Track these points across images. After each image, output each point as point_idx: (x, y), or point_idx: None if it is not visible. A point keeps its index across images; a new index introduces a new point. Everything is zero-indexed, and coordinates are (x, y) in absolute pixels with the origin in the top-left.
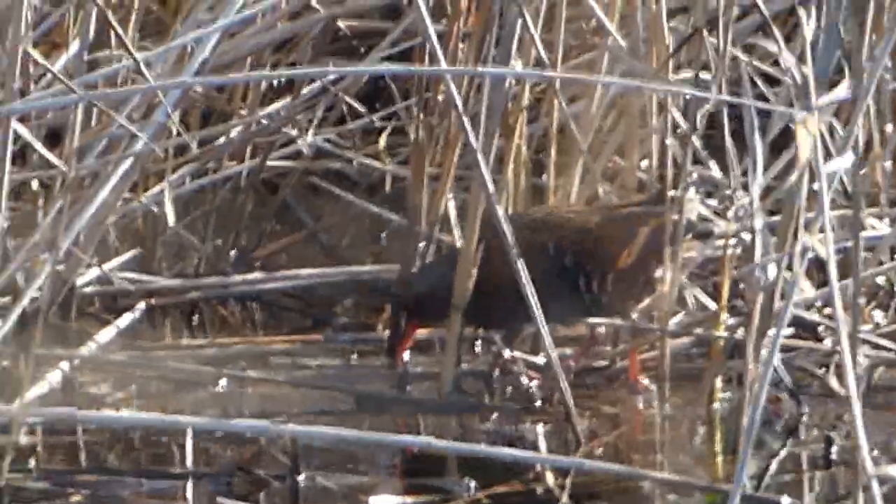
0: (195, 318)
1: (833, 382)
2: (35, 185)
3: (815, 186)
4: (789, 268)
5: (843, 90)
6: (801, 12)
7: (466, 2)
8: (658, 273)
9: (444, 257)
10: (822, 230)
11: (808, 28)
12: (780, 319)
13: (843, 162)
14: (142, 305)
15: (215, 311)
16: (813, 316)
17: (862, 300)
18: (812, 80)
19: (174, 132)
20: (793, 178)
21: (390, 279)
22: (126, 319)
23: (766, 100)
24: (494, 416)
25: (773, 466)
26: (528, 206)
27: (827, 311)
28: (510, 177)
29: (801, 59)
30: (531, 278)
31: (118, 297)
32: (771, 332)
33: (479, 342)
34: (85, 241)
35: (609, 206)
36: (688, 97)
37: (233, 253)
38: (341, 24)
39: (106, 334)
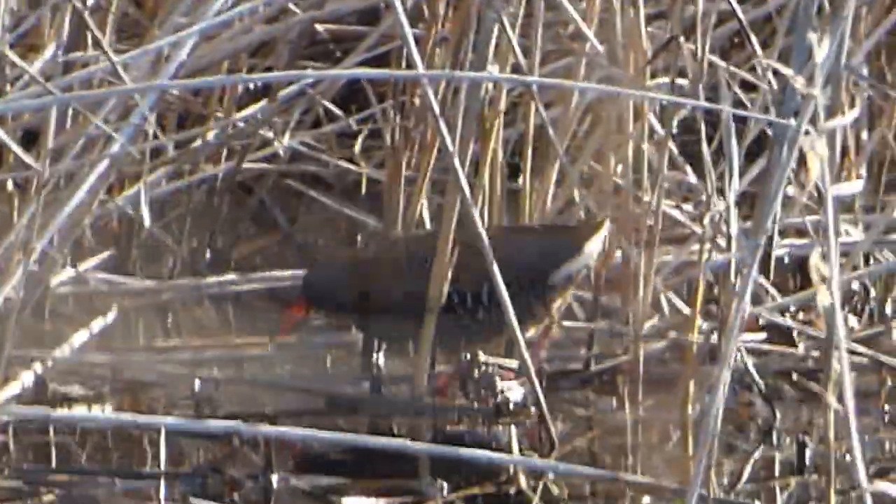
0: (169, 319)
1: (814, 387)
2: (10, 185)
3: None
4: (765, 273)
5: (853, 114)
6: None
7: (444, 6)
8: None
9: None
10: (824, 256)
11: (820, 49)
12: (735, 320)
13: (853, 187)
14: (115, 309)
15: (190, 312)
16: (788, 321)
17: None
18: (821, 100)
19: (150, 134)
20: (774, 187)
21: None
22: (100, 323)
23: (742, 106)
24: (468, 418)
25: (746, 471)
26: (503, 211)
27: (801, 316)
28: (486, 181)
29: (809, 80)
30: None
31: (93, 297)
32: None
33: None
34: (60, 241)
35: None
36: (664, 103)
37: (208, 254)
38: (319, 27)
39: (80, 337)
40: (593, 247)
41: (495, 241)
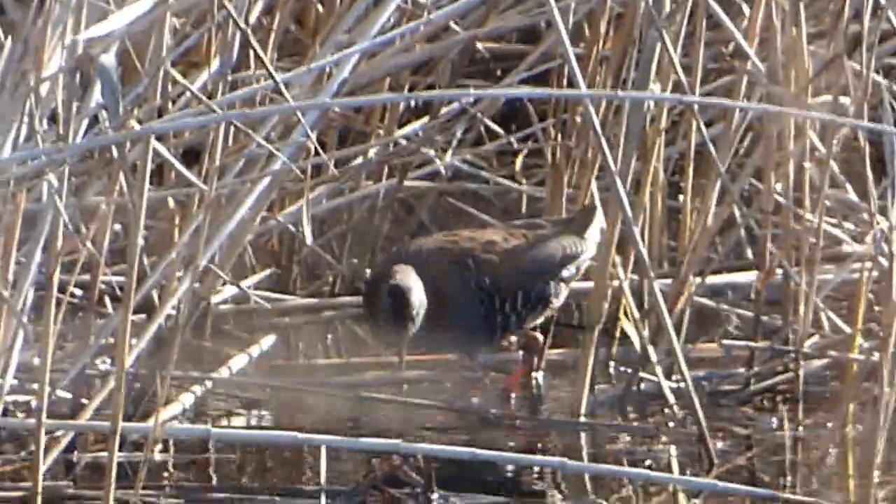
0: (329, 337)
1: None
2: (171, 203)
3: None
4: None
5: None
6: None
7: (605, 25)
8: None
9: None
10: None
11: None
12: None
13: None
14: (272, 336)
15: (350, 330)
16: None
17: None
18: None
19: (312, 152)
20: None
21: None
22: (257, 349)
23: None
24: (627, 436)
25: None
26: (663, 229)
27: None
28: (647, 199)
29: None
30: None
31: (254, 315)
32: None
33: (612, 364)
34: (222, 259)
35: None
36: (826, 121)
37: (368, 272)
38: (480, 46)
39: (239, 362)
40: (593, 234)
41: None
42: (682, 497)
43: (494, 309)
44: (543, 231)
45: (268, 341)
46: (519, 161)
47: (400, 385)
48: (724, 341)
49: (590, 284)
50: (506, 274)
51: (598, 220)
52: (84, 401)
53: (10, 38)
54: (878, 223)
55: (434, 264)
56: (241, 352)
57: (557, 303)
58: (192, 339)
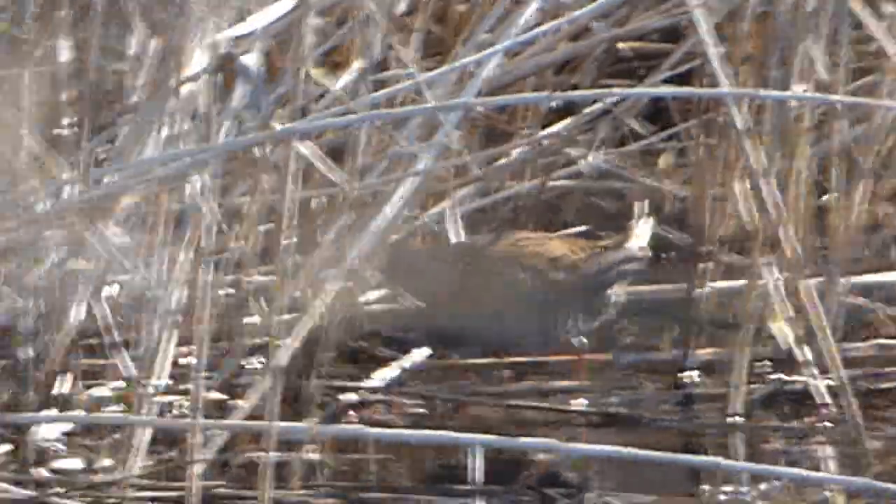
0: None
1: None
2: (315, 203)
3: None
4: None
5: None
6: None
7: (748, 24)
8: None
9: None
10: None
11: None
12: None
13: None
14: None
15: None
16: None
17: None
18: None
19: (455, 152)
20: None
21: (673, 300)
22: (409, 361)
23: None
24: (781, 436)
25: None
26: (811, 228)
27: None
28: (791, 198)
29: None
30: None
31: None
32: None
33: (766, 363)
34: (369, 259)
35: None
36: None
37: None
38: (622, 45)
39: (391, 372)
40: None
41: None
42: (839, 497)
43: (556, 322)
44: (601, 242)
45: (420, 352)
46: (662, 160)
47: (551, 393)
48: (880, 340)
49: (741, 283)
50: (568, 291)
51: (644, 219)
52: (239, 401)
53: (154, 38)
54: None
55: (498, 272)
56: (395, 351)
57: (614, 309)
58: (345, 338)
